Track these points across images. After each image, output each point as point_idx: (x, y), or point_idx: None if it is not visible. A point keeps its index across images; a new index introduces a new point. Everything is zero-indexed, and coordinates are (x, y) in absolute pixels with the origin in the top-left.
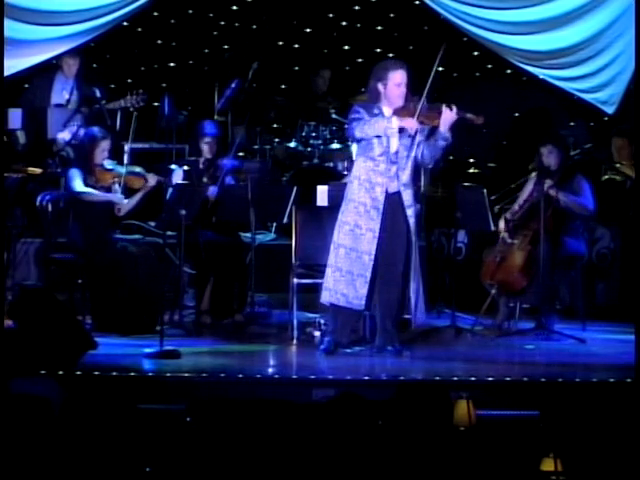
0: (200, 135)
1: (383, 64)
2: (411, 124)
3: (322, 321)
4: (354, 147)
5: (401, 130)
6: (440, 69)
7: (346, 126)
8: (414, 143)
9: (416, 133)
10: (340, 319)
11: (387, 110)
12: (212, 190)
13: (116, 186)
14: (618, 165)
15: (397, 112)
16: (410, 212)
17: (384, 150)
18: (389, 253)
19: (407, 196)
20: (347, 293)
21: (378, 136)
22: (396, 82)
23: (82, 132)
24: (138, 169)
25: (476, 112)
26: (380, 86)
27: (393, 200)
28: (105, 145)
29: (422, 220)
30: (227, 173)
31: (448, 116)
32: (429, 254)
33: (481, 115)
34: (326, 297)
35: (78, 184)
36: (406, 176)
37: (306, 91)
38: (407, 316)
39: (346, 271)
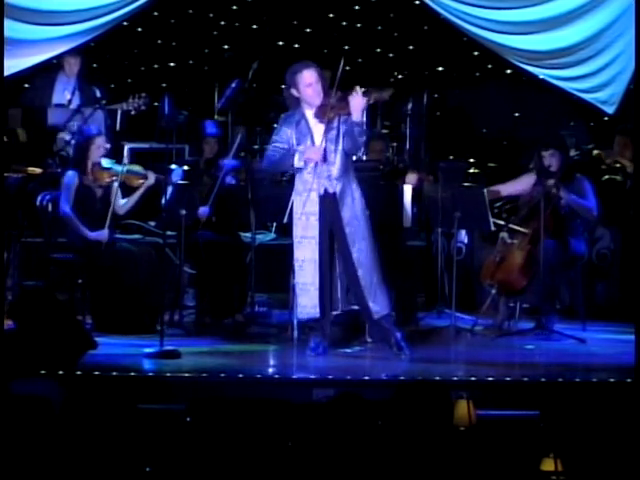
0: (201, 135)
1: (291, 69)
2: (314, 154)
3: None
4: None
5: (327, 123)
6: (347, 68)
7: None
8: (339, 135)
9: (339, 124)
10: (314, 324)
11: (309, 112)
12: (202, 210)
13: (115, 185)
14: (619, 165)
15: (317, 112)
16: (348, 201)
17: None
18: (343, 251)
19: (340, 190)
20: (305, 304)
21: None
22: (306, 83)
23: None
24: (136, 167)
25: (384, 88)
26: (294, 91)
27: (329, 200)
28: (100, 142)
29: (422, 219)
30: (227, 173)
31: (356, 102)
32: (429, 254)
33: (388, 89)
34: (296, 313)
35: (64, 204)
36: (337, 170)
37: None
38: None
39: (301, 283)
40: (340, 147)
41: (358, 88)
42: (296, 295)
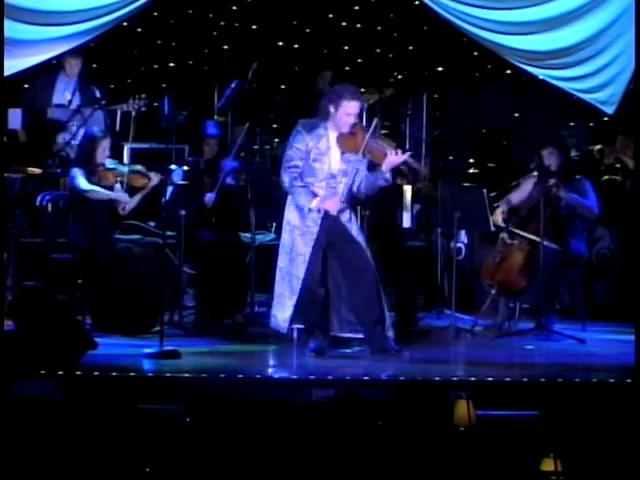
0: (201, 136)
1: (340, 89)
2: (333, 206)
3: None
4: None
5: (342, 152)
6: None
7: (283, 161)
8: (353, 169)
9: (356, 162)
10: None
11: (332, 133)
12: (209, 197)
13: (118, 185)
14: (619, 165)
15: (342, 138)
16: (354, 230)
17: (325, 176)
18: (350, 264)
19: (345, 215)
20: (276, 314)
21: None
22: (347, 112)
23: (82, 132)
24: (140, 168)
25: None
26: (331, 108)
27: (334, 217)
28: (105, 144)
29: (422, 220)
30: (227, 174)
31: (393, 159)
32: (429, 254)
33: (426, 166)
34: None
35: (82, 182)
36: (343, 197)
37: (306, 91)
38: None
39: (279, 293)
40: (351, 180)
41: (399, 150)
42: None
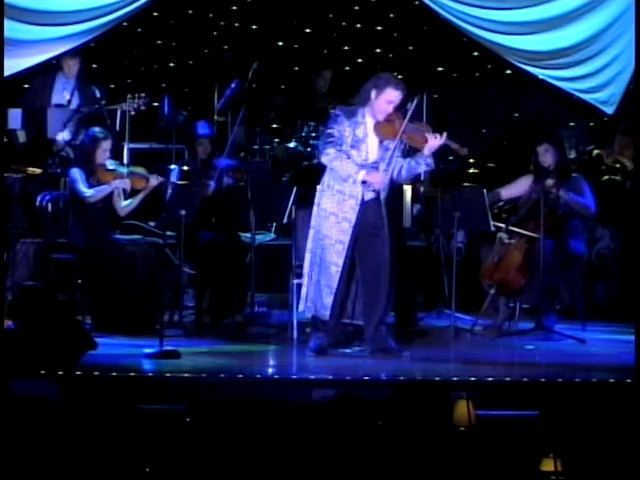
0: (194, 136)
1: (387, 76)
2: (376, 179)
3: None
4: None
5: (380, 141)
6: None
7: (321, 140)
8: (393, 158)
9: (395, 149)
10: (323, 323)
11: (370, 120)
12: (212, 185)
13: (122, 191)
14: (619, 165)
15: (379, 125)
16: (381, 223)
17: (362, 162)
18: (371, 258)
19: (378, 206)
20: (316, 302)
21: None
22: (389, 99)
23: (82, 132)
24: (140, 170)
25: (462, 142)
26: (373, 93)
27: (370, 207)
28: (106, 145)
29: (422, 220)
30: (222, 172)
31: (434, 143)
32: (429, 254)
33: (465, 147)
34: (301, 306)
35: (82, 188)
36: (383, 188)
37: (306, 91)
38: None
39: (315, 280)
40: (391, 168)
41: (437, 134)
42: (304, 287)
